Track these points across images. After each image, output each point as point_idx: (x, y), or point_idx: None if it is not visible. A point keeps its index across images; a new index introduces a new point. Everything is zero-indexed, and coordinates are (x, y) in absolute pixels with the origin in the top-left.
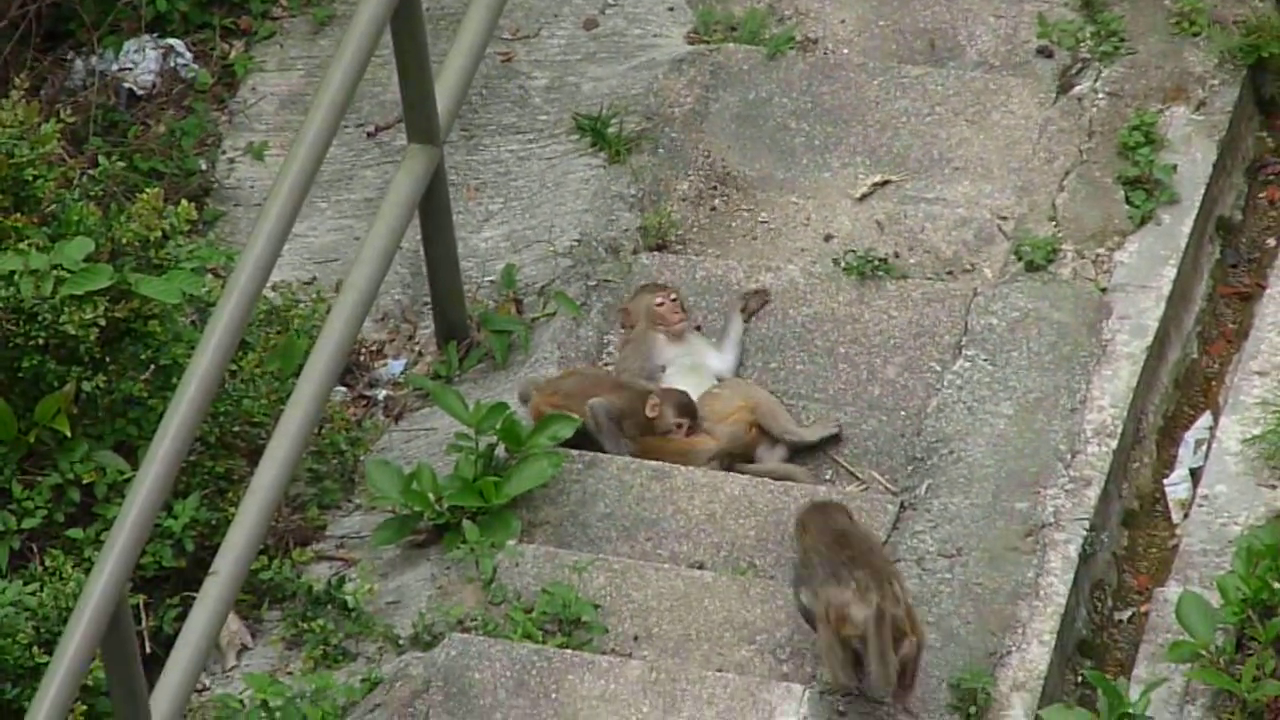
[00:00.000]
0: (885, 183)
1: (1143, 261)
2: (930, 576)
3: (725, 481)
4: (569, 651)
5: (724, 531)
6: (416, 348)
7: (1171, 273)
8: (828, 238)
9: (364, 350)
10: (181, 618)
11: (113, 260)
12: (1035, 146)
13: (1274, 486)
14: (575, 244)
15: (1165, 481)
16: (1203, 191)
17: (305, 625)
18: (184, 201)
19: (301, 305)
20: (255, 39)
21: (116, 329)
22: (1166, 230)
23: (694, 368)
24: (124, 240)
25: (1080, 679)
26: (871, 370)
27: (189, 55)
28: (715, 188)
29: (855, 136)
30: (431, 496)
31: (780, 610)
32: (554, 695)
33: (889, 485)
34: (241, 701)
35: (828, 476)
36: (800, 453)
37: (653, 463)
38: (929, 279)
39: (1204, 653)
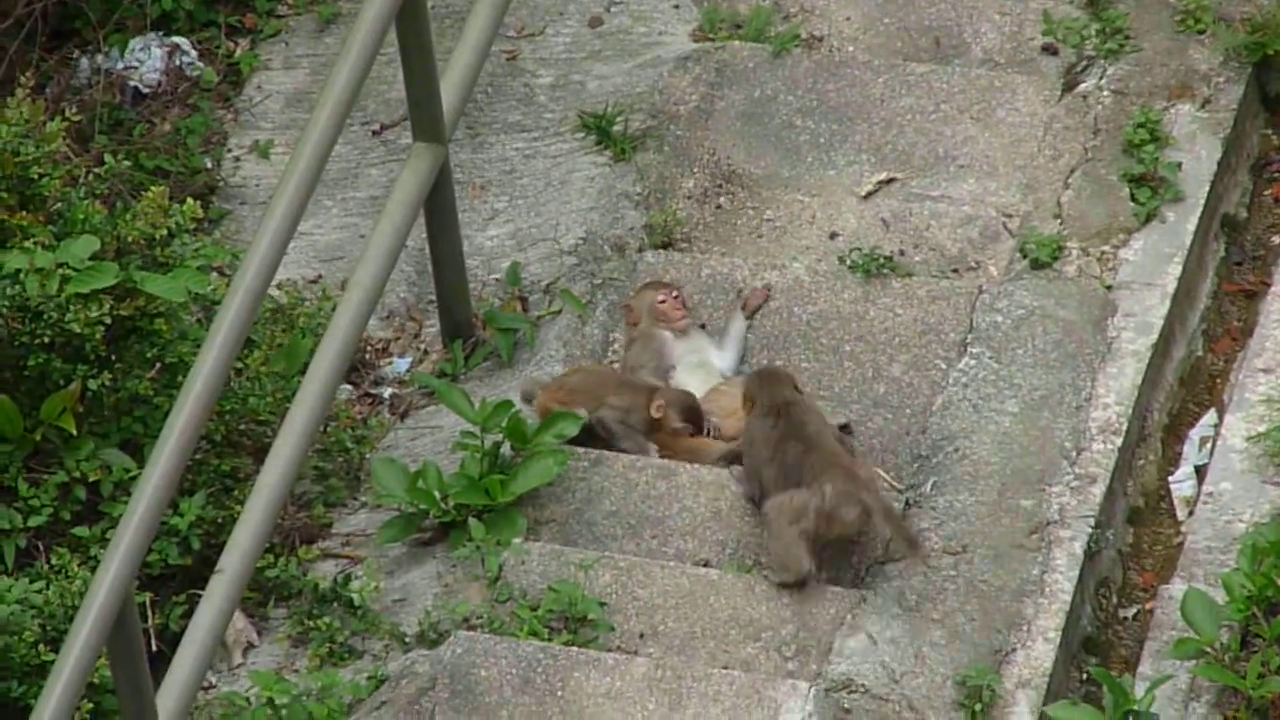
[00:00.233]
0: (890, 180)
1: (1148, 259)
2: (935, 574)
3: (730, 479)
4: (575, 649)
5: (729, 529)
6: (422, 346)
7: (1176, 270)
8: (833, 235)
9: (369, 348)
10: (187, 615)
11: (118, 258)
12: (1040, 144)
13: (1278, 484)
14: (580, 242)
15: (1170, 479)
16: (1208, 189)
17: (311, 623)
18: (189, 200)
19: (307, 303)
20: (261, 37)
21: (122, 327)
22: (1171, 228)
23: (700, 365)
24: (129, 238)
25: (1085, 676)
26: (877, 368)
27: (194, 53)
28: (720, 186)
29: (860, 134)
30: (437, 494)
31: (786, 608)
32: (560, 693)
33: (894, 483)
34: (247, 699)
35: None
36: None
37: (658, 461)
38: (934, 277)
39: (1209, 650)
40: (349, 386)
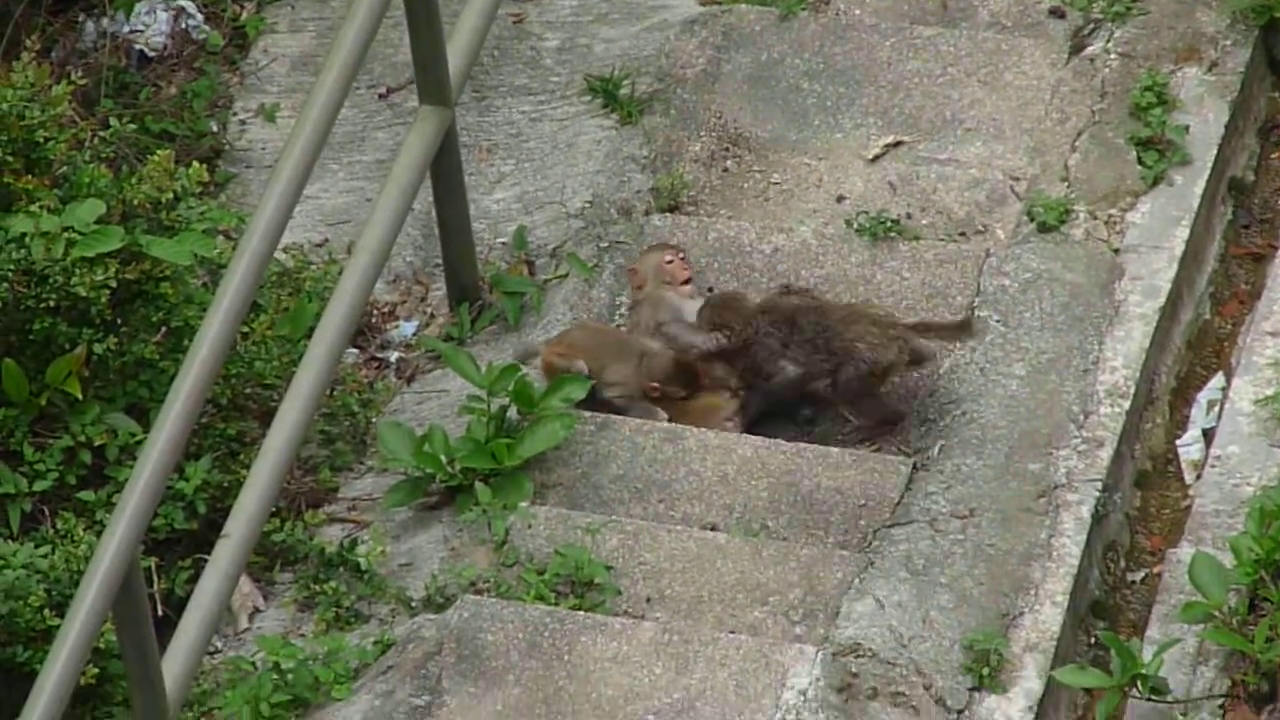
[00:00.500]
0: (897, 144)
1: (1155, 222)
2: (943, 538)
3: (738, 443)
4: (581, 613)
5: (736, 493)
6: (428, 310)
7: (1184, 233)
8: (840, 199)
9: (376, 312)
10: (193, 580)
11: (124, 222)
12: (1047, 107)
13: None
14: (587, 205)
15: (1178, 442)
16: (1215, 152)
17: (317, 588)
18: (195, 163)
19: (313, 267)
20: (266, 0)
21: (128, 291)
22: (1179, 191)
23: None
24: (135, 202)
25: (1093, 640)
26: None
27: (200, 17)
28: (727, 149)
29: (867, 97)
30: (444, 458)
31: (794, 572)
32: (566, 657)
33: (902, 446)
34: (254, 664)
35: (841, 437)
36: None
37: (665, 424)
38: (941, 240)
39: (1217, 613)
40: (355, 350)
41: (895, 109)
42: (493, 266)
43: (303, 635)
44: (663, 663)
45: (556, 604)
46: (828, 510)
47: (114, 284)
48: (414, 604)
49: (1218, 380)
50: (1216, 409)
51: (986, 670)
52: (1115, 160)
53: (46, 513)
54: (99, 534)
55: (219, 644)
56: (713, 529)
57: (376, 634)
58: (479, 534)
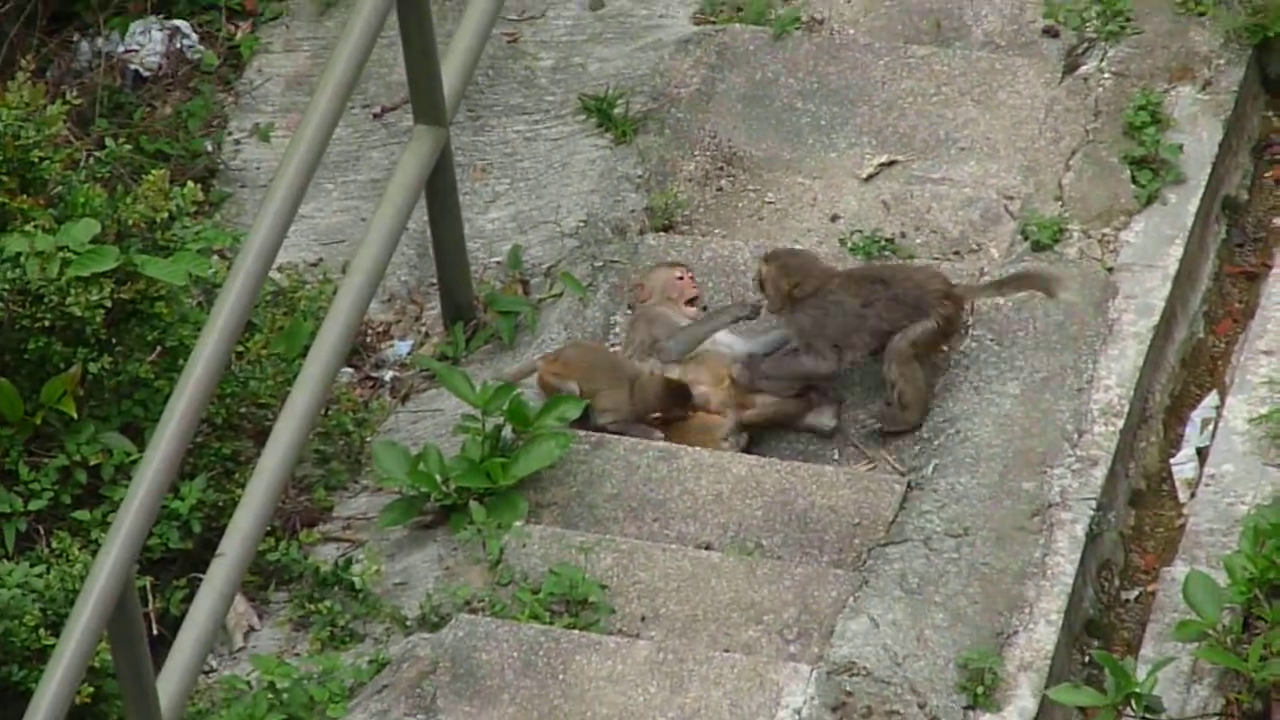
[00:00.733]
0: (891, 163)
1: (1149, 241)
2: (938, 556)
3: (732, 462)
4: (576, 632)
5: (731, 512)
6: (423, 329)
7: (1178, 252)
8: (834, 218)
9: (371, 331)
10: (188, 599)
11: (119, 242)
12: (1041, 126)
13: None
14: (582, 225)
15: (1172, 461)
16: (1209, 171)
17: (312, 607)
18: (190, 183)
19: (308, 286)
20: (261, 20)
21: (123, 310)
22: (1172, 210)
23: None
24: (130, 222)
25: (1087, 658)
26: None
27: (195, 36)
28: (722, 168)
29: (861, 117)
30: (438, 478)
31: (788, 591)
32: (561, 676)
33: (896, 465)
34: (249, 683)
35: (835, 456)
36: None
37: (660, 443)
38: (935, 259)
39: (1211, 632)
40: (350, 369)
41: (889, 128)
42: (487, 286)
43: (298, 654)
44: (657, 682)
45: (551, 623)
46: (822, 529)
47: (109, 303)
48: (409, 623)
49: (1212, 399)
50: (1211, 427)
51: (981, 689)
52: (1109, 179)
53: (42, 532)
54: (94, 553)
55: (214, 663)
56: (707, 548)
57: (371, 653)
58: (474, 553)
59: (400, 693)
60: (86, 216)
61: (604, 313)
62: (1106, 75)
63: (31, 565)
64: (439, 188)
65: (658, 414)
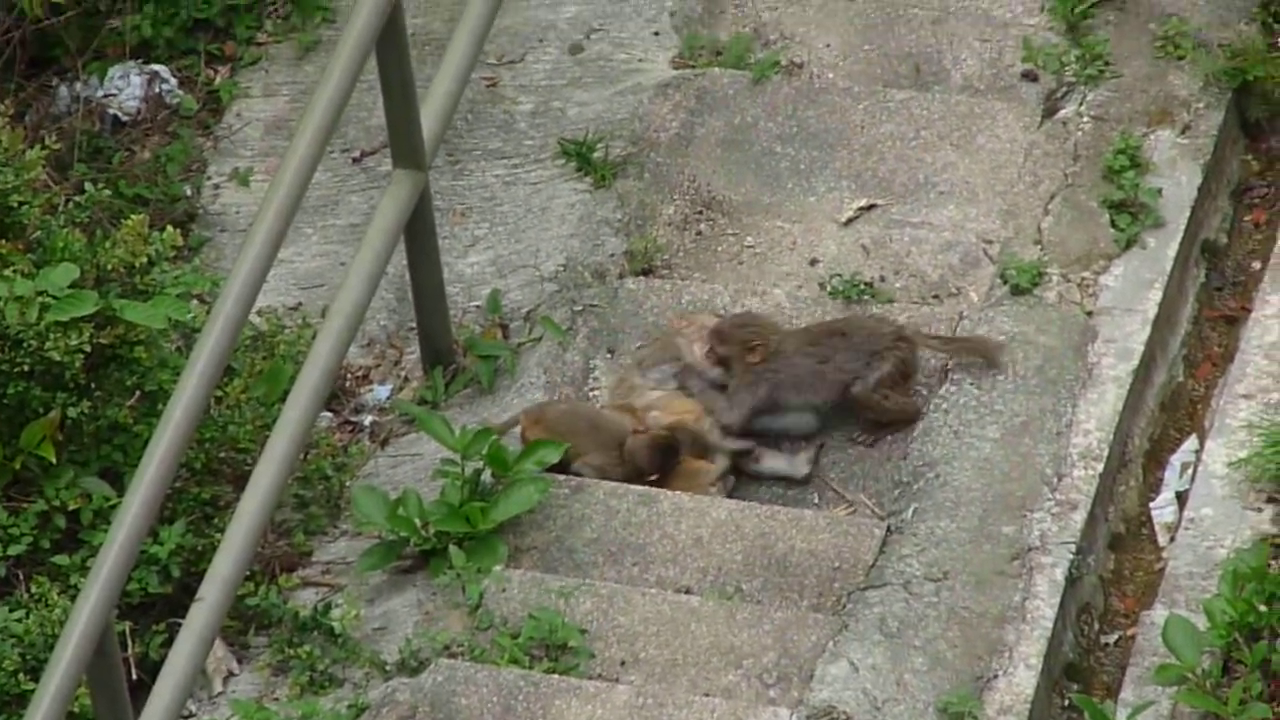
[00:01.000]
0: (871, 207)
1: (1128, 285)
2: (917, 600)
3: (711, 506)
4: (556, 677)
5: (711, 556)
6: (402, 373)
7: (1157, 296)
8: (813, 262)
9: (350, 376)
10: (168, 644)
11: (98, 286)
12: (1020, 170)
13: (1260, 510)
14: (561, 269)
15: (1151, 505)
16: (1188, 215)
17: (292, 651)
18: (169, 227)
19: (287, 331)
20: (240, 65)
21: (102, 355)
22: (1152, 254)
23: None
24: (109, 266)
25: (1067, 702)
26: None
27: (174, 81)
28: (701, 212)
29: (840, 161)
30: (418, 522)
31: (768, 635)
32: None
33: (875, 509)
34: None
35: (815, 500)
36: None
37: (639, 488)
38: (915, 303)
39: (1190, 676)
40: (329, 414)
41: (868, 172)
42: (467, 330)
43: (277, 699)
44: None
45: (531, 667)
46: (802, 573)
47: (88, 348)
48: (388, 667)
49: (1191, 443)
50: (1190, 471)
51: None
52: (1088, 223)
53: (20, 577)
54: (73, 598)
55: (193, 708)
56: (687, 592)
57: (351, 698)
58: (453, 597)
59: None
60: (65, 261)
61: (583, 357)
62: (1086, 119)
63: (10, 610)
64: (418, 232)
65: (652, 476)
